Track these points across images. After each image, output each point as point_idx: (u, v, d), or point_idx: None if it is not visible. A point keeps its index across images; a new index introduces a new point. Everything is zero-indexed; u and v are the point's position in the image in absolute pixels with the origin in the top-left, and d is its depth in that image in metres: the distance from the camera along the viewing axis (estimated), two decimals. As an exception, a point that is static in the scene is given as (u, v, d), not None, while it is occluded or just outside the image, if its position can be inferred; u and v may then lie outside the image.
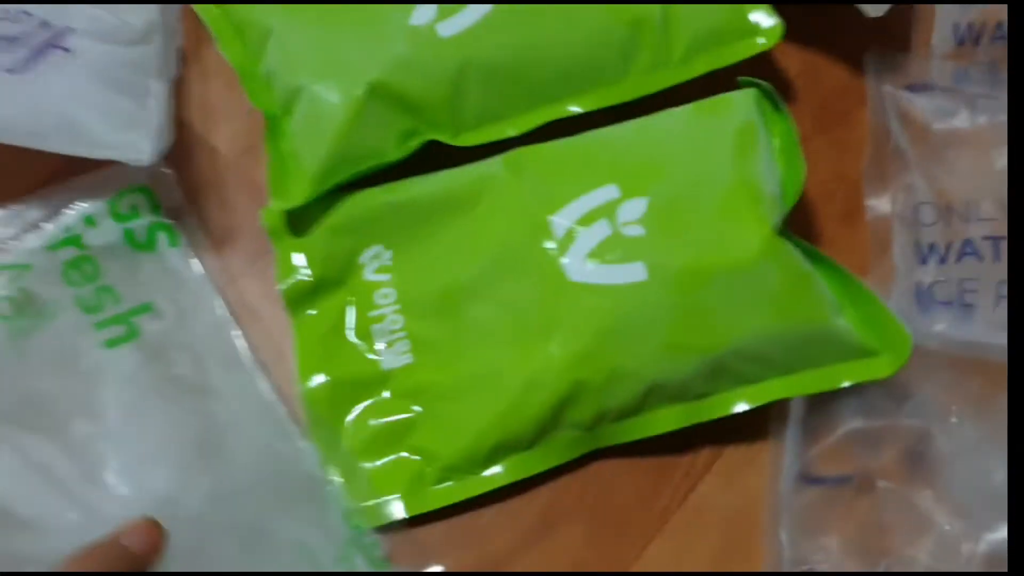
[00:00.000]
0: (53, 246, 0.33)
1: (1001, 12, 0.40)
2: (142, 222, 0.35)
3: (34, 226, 0.34)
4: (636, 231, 0.33)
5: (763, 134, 0.35)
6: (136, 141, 0.34)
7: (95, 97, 0.35)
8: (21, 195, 0.35)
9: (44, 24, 0.36)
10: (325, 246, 0.36)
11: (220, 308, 0.35)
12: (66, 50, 0.35)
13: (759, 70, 0.38)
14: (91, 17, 0.37)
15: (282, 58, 0.37)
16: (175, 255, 0.35)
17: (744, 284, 0.32)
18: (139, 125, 0.35)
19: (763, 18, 0.39)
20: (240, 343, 0.34)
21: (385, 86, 0.35)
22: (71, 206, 0.35)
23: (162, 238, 0.35)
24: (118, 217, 0.34)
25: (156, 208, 0.36)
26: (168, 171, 0.37)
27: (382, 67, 0.36)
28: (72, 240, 0.34)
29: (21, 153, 0.33)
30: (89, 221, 0.34)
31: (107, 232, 0.34)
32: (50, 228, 0.34)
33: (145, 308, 0.33)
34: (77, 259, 0.33)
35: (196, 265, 0.35)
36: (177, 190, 0.37)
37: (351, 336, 0.35)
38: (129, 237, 0.34)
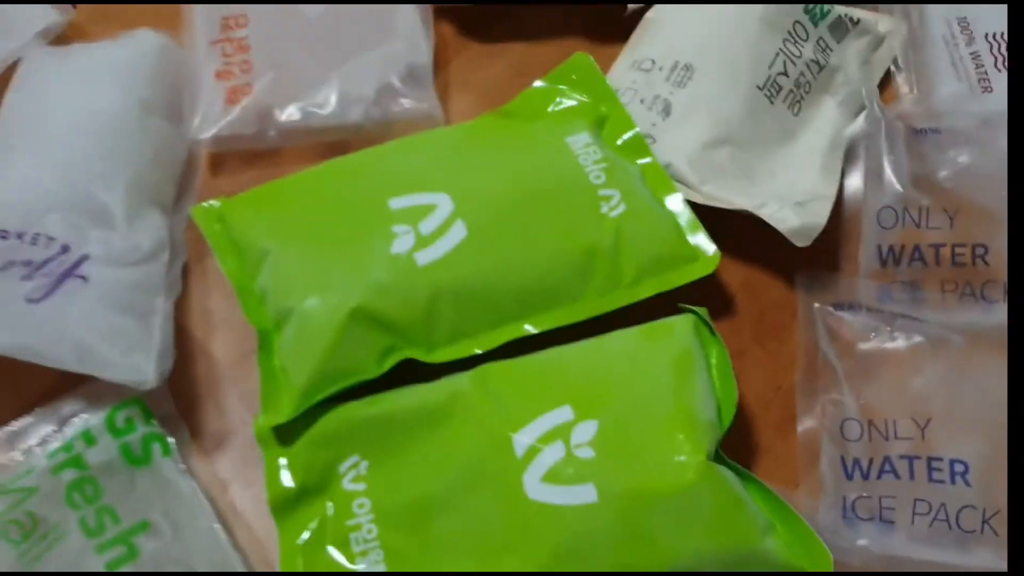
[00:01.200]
0: (56, 468, 0.37)
1: (920, 236, 0.46)
2: (137, 435, 0.38)
3: (38, 443, 0.38)
4: (587, 453, 0.37)
5: (700, 359, 0.40)
6: (140, 363, 0.39)
7: (105, 321, 0.39)
8: (22, 408, 0.39)
9: (65, 249, 0.41)
10: (307, 456, 0.39)
11: (212, 520, 0.38)
12: (83, 279, 0.40)
13: (703, 285, 0.43)
14: (106, 241, 0.41)
15: (276, 279, 0.42)
16: (168, 466, 0.38)
17: (681, 508, 0.36)
18: (143, 347, 0.39)
19: (704, 244, 0.44)
20: (231, 553, 0.37)
21: (367, 309, 0.40)
22: (71, 421, 0.38)
23: (156, 449, 0.39)
24: (115, 432, 0.38)
25: (149, 417, 0.40)
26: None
27: (365, 292, 0.40)
28: (74, 461, 0.37)
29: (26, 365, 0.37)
30: (88, 439, 0.38)
31: (105, 449, 0.38)
32: (53, 445, 0.38)
33: (143, 526, 0.36)
34: (79, 480, 0.36)
35: (188, 476, 0.39)
36: (169, 399, 0.41)
37: (330, 547, 0.38)
38: (126, 452, 0.38)
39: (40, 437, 0.38)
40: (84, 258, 0.40)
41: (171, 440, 0.39)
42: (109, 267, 0.41)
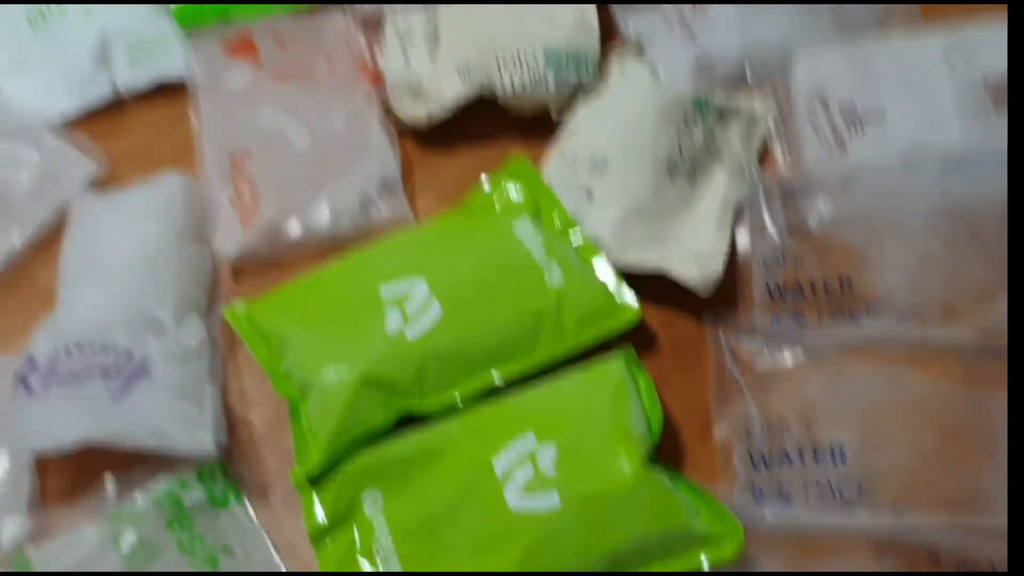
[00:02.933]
0: (160, 504, 0.49)
1: (798, 274, 0.58)
2: (218, 485, 0.50)
3: (151, 488, 0.50)
4: (549, 470, 0.48)
5: (631, 387, 0.51)
6: (202, 438, 0.50)
7: (170, 408, 0.50)
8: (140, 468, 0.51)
9: (128, 354, 0.52)
10: (335, 495, 0.50)
11: (270, 548, 0.50)
12: (149, 377, 0.51)
13: (632, 329, 0.55)
14: (161, 345, 0.53)
15: (298, 359, 0.53)
16: (239, 509, 0.51)
17: (625, 503, 0.47)
18: (202, 425, 0.51)
19: (629, 299, 0.56)
20: (283, 568, 0.50)
21: (371, 377, 0.51)
22: (173, 474, 0.51)
23: (232, 496, 0.50)
24: (203, 482, 0.50)
25: (226, 475, 0.51)
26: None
27: (368, 363, 0.51)
28: (174, 500, 0.49)
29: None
30: (184, 485, 0.50)
31: (196, 494, 0.50)
32: (161, 488, 0.50)
33: (224, 548, 0.48)
34: (176, 513, 0.49)
35: (252, 516, 0.50)
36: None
37: (359, 556, 0.49)
38: (210, 497, 0.50)
39: (147, 485, 0.50)
40: (146, 360, 0.52)
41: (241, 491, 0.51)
42: (166, 365, 0.52)
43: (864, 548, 0.49)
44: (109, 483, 0.51)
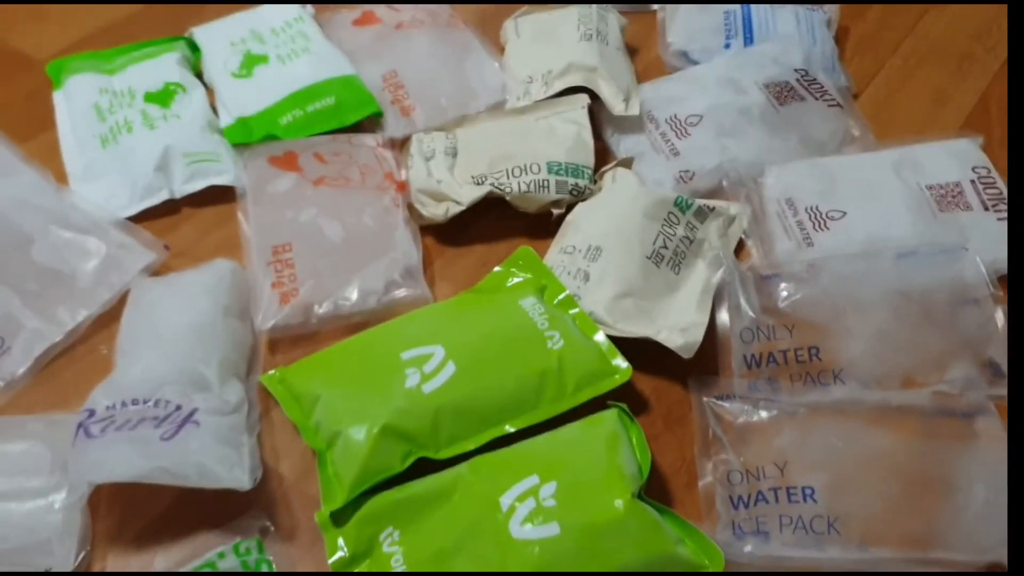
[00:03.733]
0: (199, 569, 0.55)
1: (772, 346, 0.65)
2: (252, 558, 0.55)
3: (191, 556, 0.56)
4: (551, 503, 0.54)
5: (624, 437, 0.58)
6: (239, 476, 0.56)
7: (214, 451, 0.57)
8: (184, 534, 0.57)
9: (178, 408, 0.59)
10: (356, 533, 0.56)
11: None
12: (196, 424, 0.58)
13: (625, 392, 0.62)
14: (206, 400, 0.60)
15: (326, 414, 0.60)
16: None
17: (617, 532, 0.52)
18: (239, 465, 0.57)
19: (621, 363, 0.63)
20: None
21: (391, 427, 0.58)
22: (211, 547, 0.56)
23: (264, 566, 0.56)
24: (238, 554, 0.55)
25: (262, 549, 0.56)
26: (268, 525, 0.58)
27: (389, 415, 0.58)
28: (210, 564, 0.55)
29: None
30: (221, 555, 0.55)
31: (232, 563, 0.55)
32: (196, 563, 0.55)
33: None
34: None
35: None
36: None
37: (377, 590, 0.54)
38: (244, 566, 0.55)
39: (184, 559, 0.56)
40: (194, 411, 0.59)
41: (273, 563, 0.56)
42: (212, 416, 0.59)
43: (835, 580, 0.54)
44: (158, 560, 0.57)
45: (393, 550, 0.55)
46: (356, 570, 0.55)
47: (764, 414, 0.61)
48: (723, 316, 0.67)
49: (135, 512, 0.59)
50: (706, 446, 0.61)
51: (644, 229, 0.69)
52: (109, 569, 0.56)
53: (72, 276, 0.70)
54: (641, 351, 0.64)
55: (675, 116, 0.81)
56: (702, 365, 0.64)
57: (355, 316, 0.69)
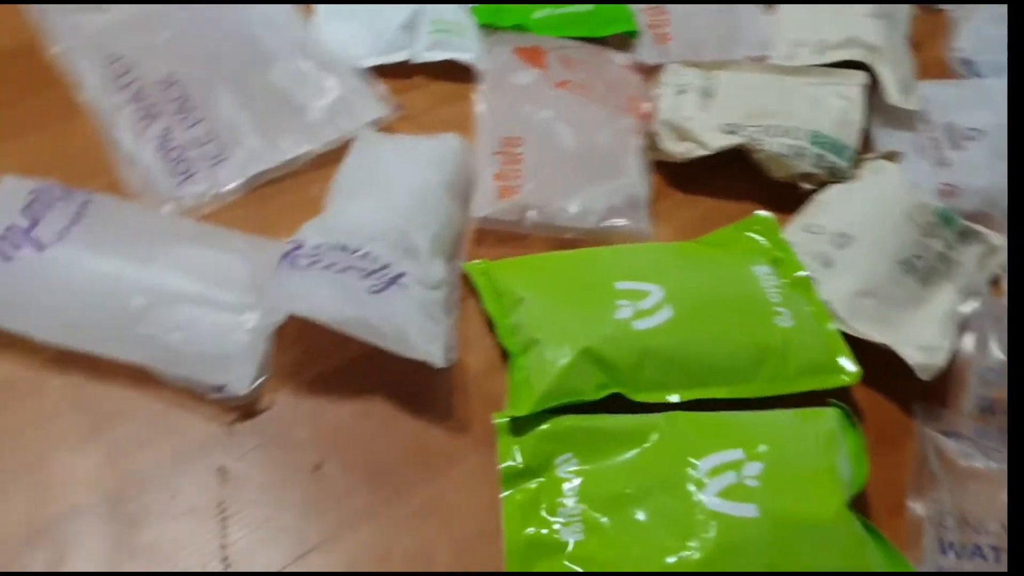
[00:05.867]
0: None
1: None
2: None
3: None
4: (753, 483, 0.49)
5: (841, 441, 0.52)
6: (436, 352, 0.53)
7: (416, 318, 0.54)
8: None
9: (385, 266, 0.56)
10: (534, 446, 0.52)
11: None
12: (403, 287, 0.55)
13: (841, 396, 0.56)
14: (414, 268, 0.57)
15: (528, 317, 0.56)
16: None
17: (821, 535, 0.47)
18: (436, 339, 0.54)
19: (849, 364, 0.57)
20: None
21: (593, 351, 0.54)
22: None
23: None
24: None
25: None
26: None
27: (592, 339, 0.54)
28: None
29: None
30: None
31: None
32: None
33: None
34: None
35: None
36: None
37: (542, 511, 0.50)
38: None
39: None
40: (402, 274, 0.56)
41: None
42: (417, 285, 0.56)
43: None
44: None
45: (568, 476, 0.51)
46: (525, 481, 0.51)
47: (993, 465, 0.55)
48: (966, 347, 0.61)
49: (316, 357, 0.57)
50: (920, 478, 0.55)
51: (902, 232, 0.63)
52: (278, 404, 0.55)
53: (302, 108, 0.68)
54: (863, 357, 0.58)
55: (953, 124, 0.74)
56: (930, 394, 0.58)
57: (568, 232, 0.65)
